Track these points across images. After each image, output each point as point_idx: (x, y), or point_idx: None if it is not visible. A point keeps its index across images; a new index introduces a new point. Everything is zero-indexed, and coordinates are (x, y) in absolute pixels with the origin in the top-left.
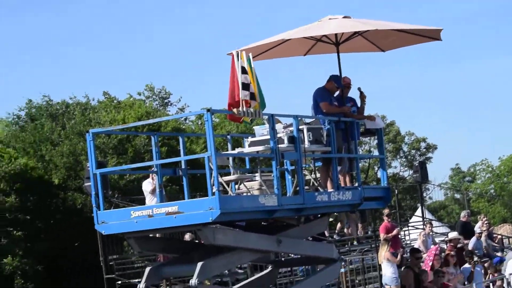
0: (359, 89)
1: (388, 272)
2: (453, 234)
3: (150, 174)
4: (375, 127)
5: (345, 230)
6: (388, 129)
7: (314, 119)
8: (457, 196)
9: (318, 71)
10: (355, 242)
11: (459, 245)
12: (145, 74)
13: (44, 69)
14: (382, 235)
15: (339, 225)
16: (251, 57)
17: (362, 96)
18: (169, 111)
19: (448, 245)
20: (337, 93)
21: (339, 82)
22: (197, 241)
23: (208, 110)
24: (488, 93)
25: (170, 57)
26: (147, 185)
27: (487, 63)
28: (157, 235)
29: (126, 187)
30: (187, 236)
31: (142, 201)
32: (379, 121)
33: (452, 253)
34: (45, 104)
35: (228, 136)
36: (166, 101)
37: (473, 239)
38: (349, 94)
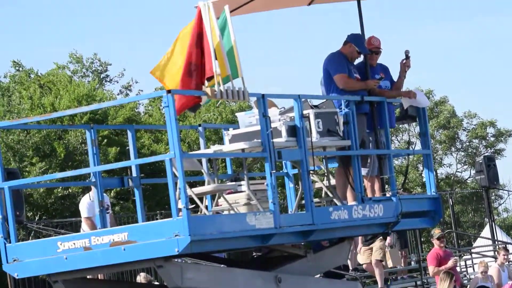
0: (406, 52)
1: None
2: None
3: (92, 187)
4: (417, 105)
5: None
6: (437, 109)
7: (325, 100)
8: None
9: (330, 29)
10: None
11: None
12: (67, 39)
13: None
14: (431, 268)
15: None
16: (227, 10)
17: (405, 64)
18: (109, 91)
19: None
20: (359, 60)
21: (361, 45)
22: (157, 283)
23: (169, 92)
24: None
25: (102, 6)
26: (86, 204)
27: None
28: (98, 276)
29: (54, 207)
30: (142, 277)
31: (77, 227)
32: (421, 97)
33: None
34: None
35: (200, 128)
36: (103, 75)
37: None
38: (379, 61)
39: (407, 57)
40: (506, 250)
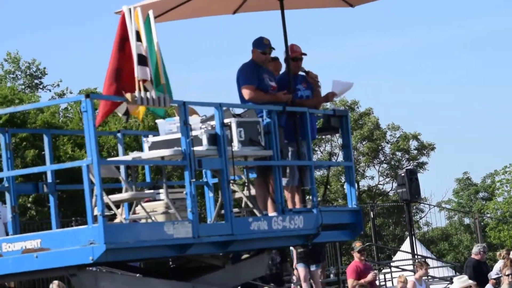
0: (302, 69)
1: None
2: (462, 280)
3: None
4: (346, 89)
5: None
6: (361, 120)
7: (247, 109)
8: (467, 221)
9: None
10: None
11: None
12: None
13: None
14: (351, 281)
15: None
16: (151, 16)
17: (312, 77)
18: (40, 97)
19: None
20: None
21: (260, 45)
22: None
23: (88, 96)
24: None
25: (46, 17)
26: None
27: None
28: (11, 284)
29: None
30: (55, 286)
31: None
32: (341, 85)
33: None
34: None
35: (119, 135)
36: (37, 81)
37: (488, 287)
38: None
39: (307, 72)
40: (426, 264)
